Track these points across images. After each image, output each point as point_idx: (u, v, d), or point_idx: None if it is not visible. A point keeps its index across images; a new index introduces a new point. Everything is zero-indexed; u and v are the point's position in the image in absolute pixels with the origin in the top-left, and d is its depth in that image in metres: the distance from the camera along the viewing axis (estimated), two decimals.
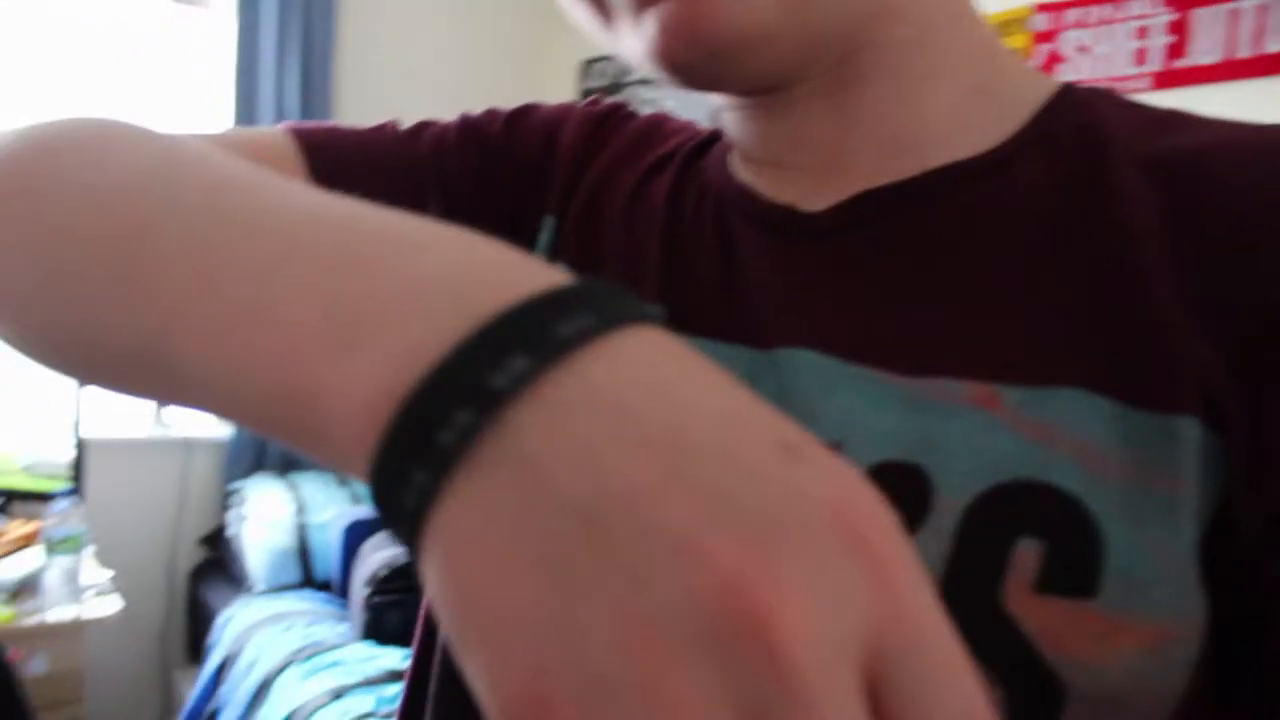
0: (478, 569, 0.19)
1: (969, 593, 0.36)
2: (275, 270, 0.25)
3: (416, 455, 0.20)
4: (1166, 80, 2.16)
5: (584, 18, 0.47)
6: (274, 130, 0.51)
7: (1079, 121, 0.44)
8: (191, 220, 0.28)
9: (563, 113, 0.58)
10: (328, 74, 3.30)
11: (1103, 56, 2.27)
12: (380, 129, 0.55)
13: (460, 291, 0.22)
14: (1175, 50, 2.14)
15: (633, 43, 0.44)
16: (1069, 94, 0.46)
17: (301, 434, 0.24)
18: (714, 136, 0.56)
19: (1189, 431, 0.36)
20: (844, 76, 0.45)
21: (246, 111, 3.19)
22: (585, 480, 0.19)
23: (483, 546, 0.19)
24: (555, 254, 0.53)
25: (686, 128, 0.58)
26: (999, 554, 0.36)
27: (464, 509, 0.20)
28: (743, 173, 0.51)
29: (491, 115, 0.57)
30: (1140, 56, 2.20)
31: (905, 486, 0.39)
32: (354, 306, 0.23)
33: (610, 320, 0.21)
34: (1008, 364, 0.39)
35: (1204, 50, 2.10)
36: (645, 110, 0.61)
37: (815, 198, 0.46)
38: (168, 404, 0.30)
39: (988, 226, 0.42)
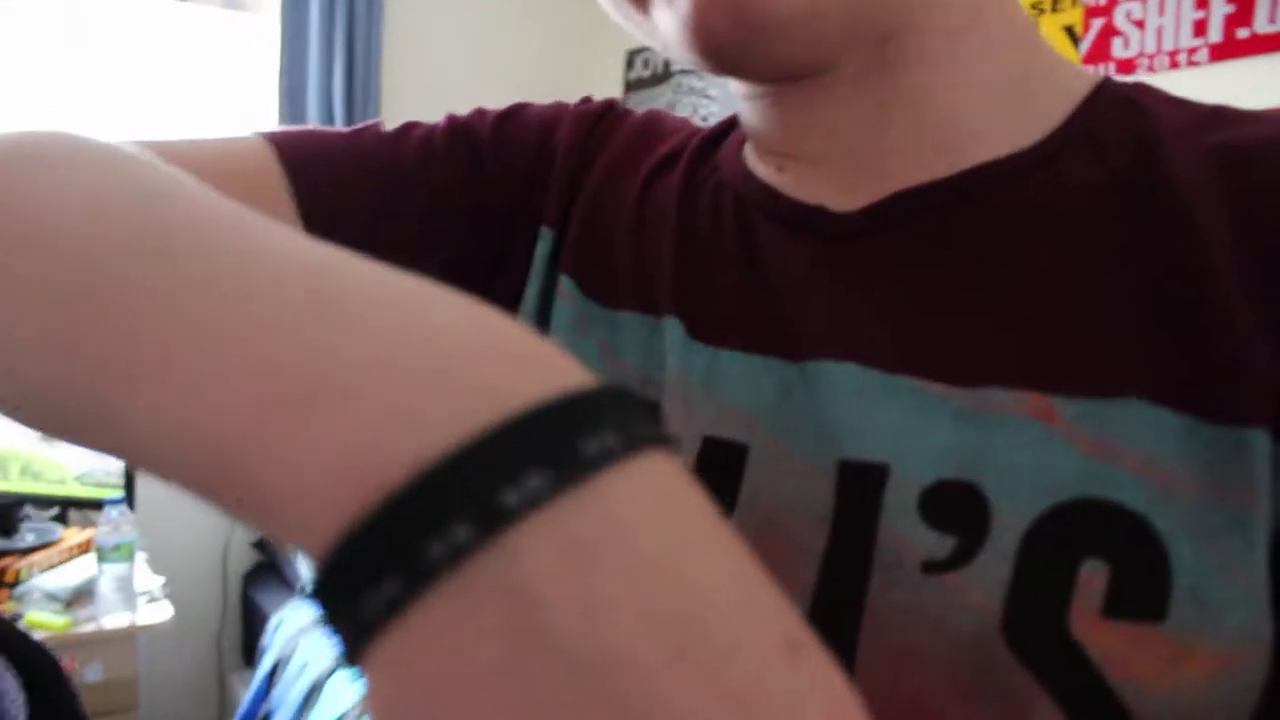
0: (447, 704, 0.16)
1: (1033, 619, 0.34)
2: (225, 322, 0.21)
3: (394, 561, 0.17)
4: (1225, 51, 2.08)
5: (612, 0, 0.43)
6: (250, 140, 0.47)
7: (1122, 117, 0.41)
8: (145, 263, 0.24)
9: (555, 114, 0.54)
10: (373, 75, 3.30)
11: (1158, 28, 2.19)
12: (362, 132, 0.52)
13: (460, 374, 0.19)
14: (1237, 19, 2.06)
15: (666, 21, 0.40)
16: (1109, 88, 0.43)
17: (234, 495, 0.21)
18: (723, 131, 0.52)
19: (1260, 444, 0.34)
20: (883, 62, 0.41)
21: (293, 113, 3.20)
22: (589, 636, 0.17)
23: (456, 681, 0.17)
24: (556, 266, 0.50)
25: (685, 124, 0.55)
26: (1063, 578, 0.34)
27: (437, 632, 0.17)
28: (762, 169, 0.47)
29: (480, 116, 0.54)
30: (1199, 28, 2.11)
31: (963, 507, 0.36)
32: (321, 364, 0.20)
33: (633, 441, 0.19)
34: (1063, 373, 0.37)
35: (1269, 19, 2.01)
36: (691, 100, 0.57)
37: (847, 196, 0.43)
38: (110, 455, 0.27)
39: (1036, 227, 0.40)
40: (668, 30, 0.40)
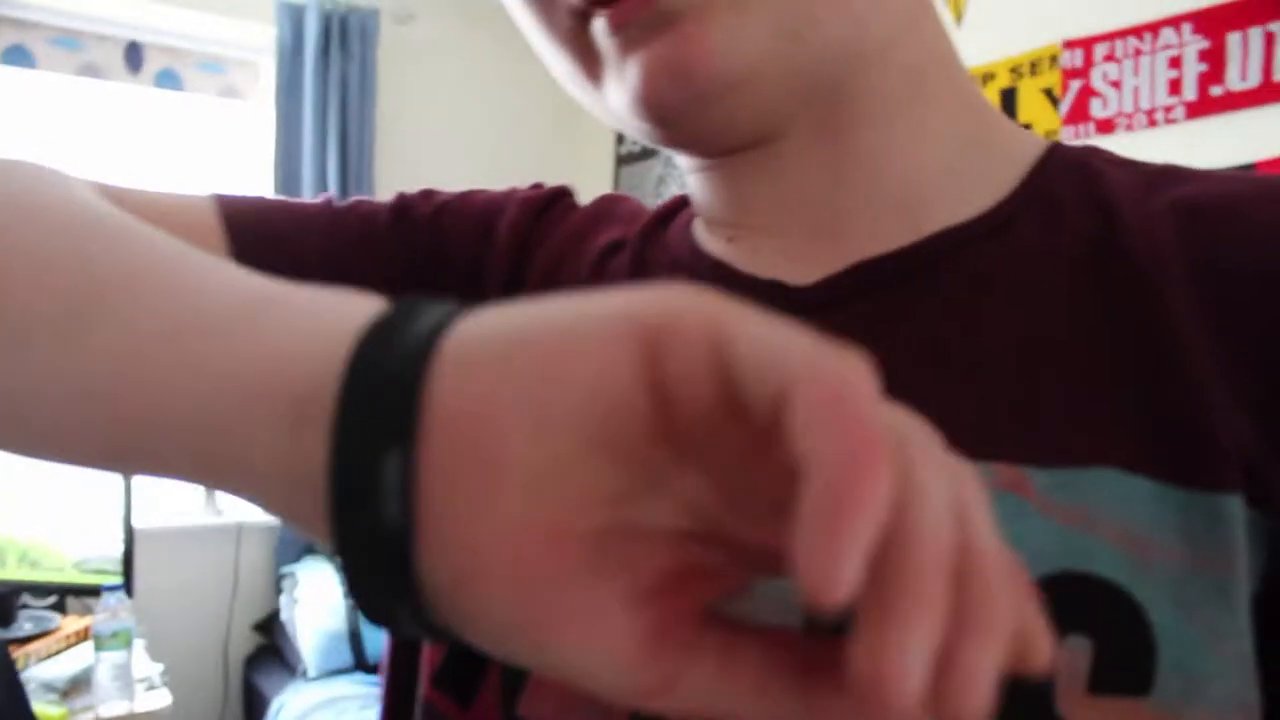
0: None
1: (1019, 699, 0.33)
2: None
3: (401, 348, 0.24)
4: (1200, 108, 2.11)
5: (566, 73, 0.44)
6: (200, 198, 0.49)
7: (1076, 181, 0.41)
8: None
9: (501, 201, 0.54)
10: (365, 160, 3.36)
11: (1134, 88, 2.22)
12: (311, 205, 0.52)
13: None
14: (1210, 77, 2.10)
15: (616, 95, 0.41)
16: (1061, 152, 0.43)
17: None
18: (670, 210, 0.52)
19: (1235, 510, 0.33)
20: (835, 127, 0.41)
21: (289, 196, 3.25)
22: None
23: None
24: None
25: (640, 209, 0.54)
26: None
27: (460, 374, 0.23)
28: (713, 244, 0.47)
29: (426, 199, 0.54)
30: (1174, 86, 2.15)
31: None
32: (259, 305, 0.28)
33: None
34: (1032, 443, 0.36)
35: (1240, 76, 2.05)
36: (680, 174, 0.57)
37: (803, 267, 0.42)
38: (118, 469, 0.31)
39: (996, 294, 0.39)
40: (619, 103, 0.41)
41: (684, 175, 0.49)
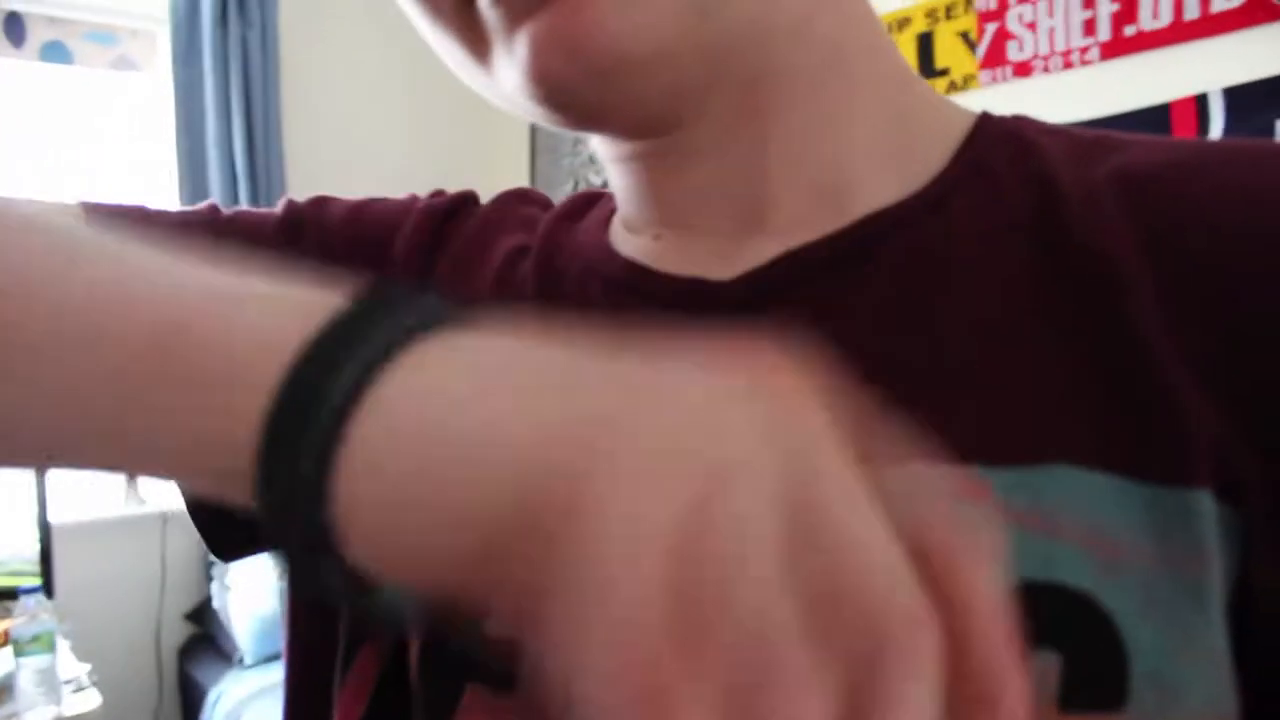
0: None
1: None
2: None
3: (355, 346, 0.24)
4: (1114, 49, 2.12)
5: (455, 56, 0.40)
6: (68, 206, 0.44)
7: (1009, 154, 0.39)
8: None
9: (399, 214, 0.49)
10: (273, 130, 3.24)
11: (1049, 30, 2.23)
12: (191, 214, 0.47)
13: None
14: (1123, 17, 2.11)
15: (507, 74, 0.37)
16: (990, 124, 0.41)
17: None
18: (582, 203, 0.49)
19: (1205, 505, 0.31)
20: (751, 110, 0.39)
21: (193, 172, 3.13)
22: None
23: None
24: None
25: (545, 206, 0.51)
26: None
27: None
28: (633, 244, 0.43)
29: (318, 209, 0.49)
30: (1089, 27, 2.16)
31: None
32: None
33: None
34: (984, 441, 0.33)
35: (1152, 15, 2.07)
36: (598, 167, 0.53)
37: (727, 263, 0.40)
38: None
39: (934, 278, 0.37)
40: (510, 83, 0.37)
41: (603, 165, 0.46)
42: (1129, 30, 2.10)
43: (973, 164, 0.39)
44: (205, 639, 3.06)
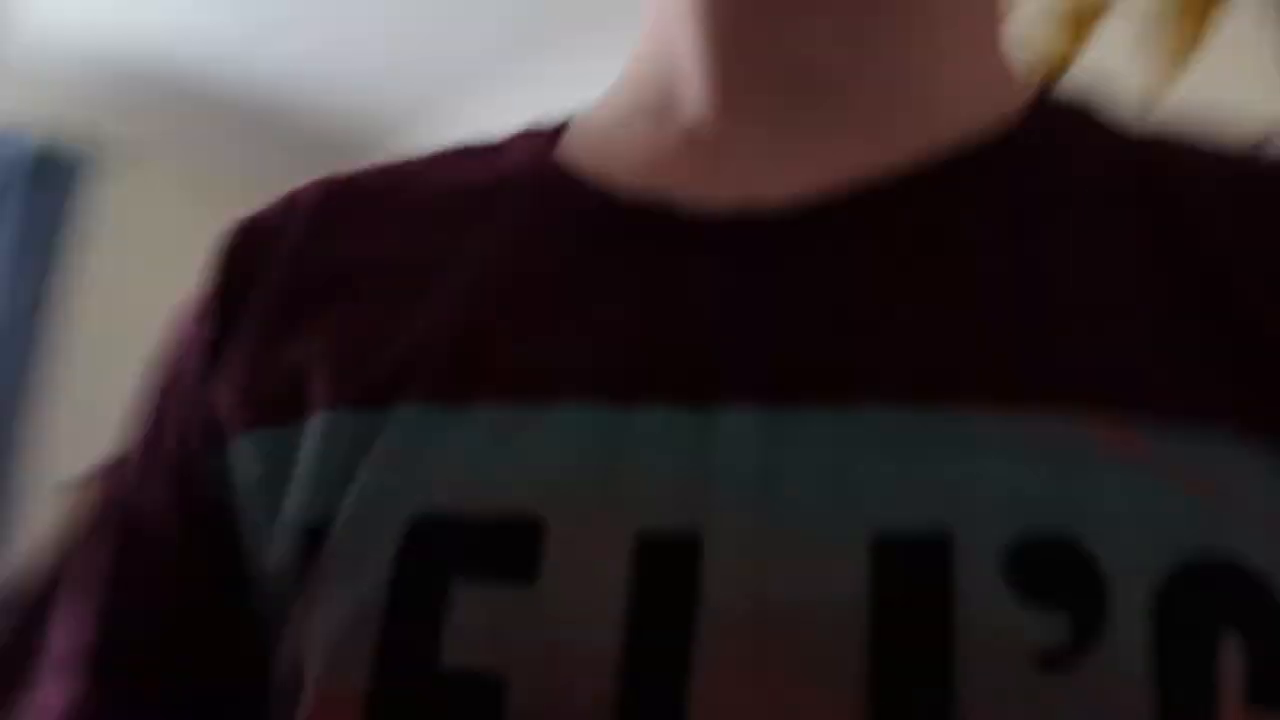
0: None
1: (1188, 718, 0.27)
2: None
3: None
4: None
5: None
6: None
7: (1082, 112, 0.37)
8: None
9: (167, 393, 0.39)
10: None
11: None
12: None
13: None
14: None
15: None
16: (1049, 89, 0.39)
17: None
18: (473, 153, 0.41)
19: None
20: None
21: None
22: None
23: None
24: (355, 445, 0.33)
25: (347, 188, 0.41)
26: (1205, 661, 0.28)
27: None
28: (626, 155, 0.37)
29: (117, 480, 0.39)
30: None
31: (1064, 578, 0.28)
32: None
33: None
34: (1137, 385, 0.30)
35: None
36: None
37: (775, 166, 0.35)
38: None
39: (1050, 213, 0.34)
40: None
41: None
42: None
43: (1057, 111, 0.37)
44: None
